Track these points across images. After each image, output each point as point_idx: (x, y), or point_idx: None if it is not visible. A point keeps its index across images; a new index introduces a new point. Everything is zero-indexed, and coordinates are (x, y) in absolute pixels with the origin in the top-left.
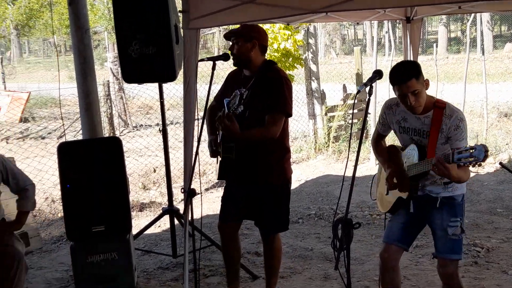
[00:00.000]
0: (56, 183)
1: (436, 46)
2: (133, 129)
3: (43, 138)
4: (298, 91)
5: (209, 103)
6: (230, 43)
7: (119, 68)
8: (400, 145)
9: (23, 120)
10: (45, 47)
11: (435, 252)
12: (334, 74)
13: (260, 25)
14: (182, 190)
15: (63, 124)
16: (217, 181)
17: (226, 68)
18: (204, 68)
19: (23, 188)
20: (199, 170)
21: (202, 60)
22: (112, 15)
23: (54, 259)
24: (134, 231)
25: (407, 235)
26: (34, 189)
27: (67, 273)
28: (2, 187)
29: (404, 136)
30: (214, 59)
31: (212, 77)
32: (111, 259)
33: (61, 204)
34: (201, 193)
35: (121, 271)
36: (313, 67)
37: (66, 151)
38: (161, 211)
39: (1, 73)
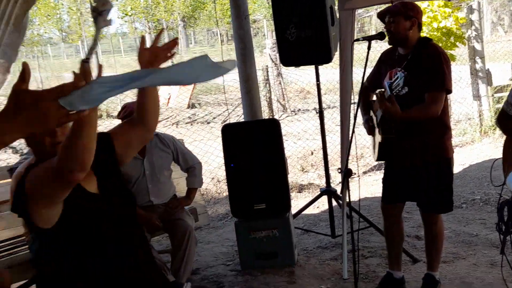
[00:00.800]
0: (221, 164)
1: None
2: (291, 113)
3: (209, 122)
4: (462, 71)
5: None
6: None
7: (277, 54)
8: None
9: (191, 106)
10: (209, 37)
11: None
12: (502, 53)
13: (418, 3)
14: (339, 171)
15: (227, 109)
16: (375, 164)
17: (380, 51)
18: (360, 50)
19: (191, 166)
20: (356, 152)
21: (357, 40)
22: (270, 3)
23: (220, 235)
24: (293, 211)
25: None
26: (201, 168)
27: (232, 248)
28: (173, 166)
29: None
30: (369, 38)
31: (368, 57)
32: (272, 236)
33: (226, 183)
34: (358, 174)
35: (282, 248)
36: (477, 45)
37: (229, 132)
38: (319, 192)
39: (170, 62)
